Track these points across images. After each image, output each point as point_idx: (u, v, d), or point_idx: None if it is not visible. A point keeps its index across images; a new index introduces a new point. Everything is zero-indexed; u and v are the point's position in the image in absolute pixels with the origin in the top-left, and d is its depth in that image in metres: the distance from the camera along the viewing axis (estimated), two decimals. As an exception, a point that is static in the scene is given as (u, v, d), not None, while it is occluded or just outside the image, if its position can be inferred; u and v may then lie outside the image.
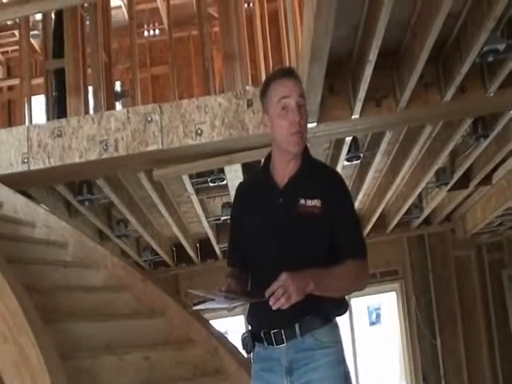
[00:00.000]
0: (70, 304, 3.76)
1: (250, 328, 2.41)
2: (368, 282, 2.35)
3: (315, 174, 2.38)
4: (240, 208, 2.53)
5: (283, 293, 2.03)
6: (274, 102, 2.33)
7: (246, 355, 2.80)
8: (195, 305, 2.28)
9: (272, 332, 2.28)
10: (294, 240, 2.30)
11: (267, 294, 2.07)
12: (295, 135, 2.30)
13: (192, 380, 3.60)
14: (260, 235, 2.38)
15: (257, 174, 2.71)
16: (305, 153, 2.41)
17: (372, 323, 8.87)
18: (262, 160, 2.52)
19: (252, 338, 2.37)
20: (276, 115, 2.33)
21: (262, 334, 2.32)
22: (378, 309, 8.89)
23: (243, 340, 2.39)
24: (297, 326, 2.25)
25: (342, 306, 2.37)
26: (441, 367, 8.24)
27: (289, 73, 2.40)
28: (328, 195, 2.29)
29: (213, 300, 2.20)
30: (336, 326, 2.34)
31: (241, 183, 2.74)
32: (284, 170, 2.38)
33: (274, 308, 2.05)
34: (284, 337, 2.27)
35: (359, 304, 8.30)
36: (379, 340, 8.78)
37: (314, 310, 2.24)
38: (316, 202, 2.28)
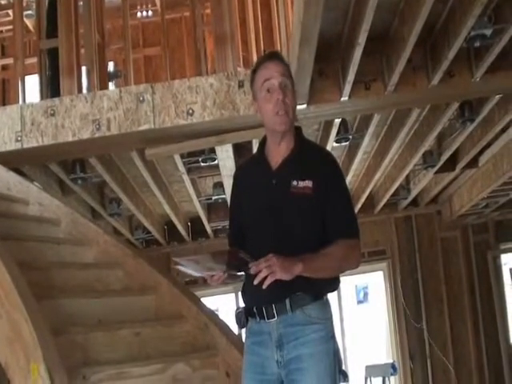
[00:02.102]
0: (63, 280, 3.80)
1: (243, 304, 2.47)
2: (360, 262, 2.39)
3: (308, 155, 2.43)
4: (237, 192, 2.59)
5: (266, 266, 2.10)
6: (259, 87, 2.40)
7: (239, 330, 2.87)
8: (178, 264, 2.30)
9: (263, 306, 2.34)
10: (287, 221, 2.35)
11: (251, 264, 2.15)
12: (279, 114, 2.36)
13: (182, 355, 3.62)
14: (255, 216, 2.43)
15: (253, 157, 2.76)
16: (298, 134, 2.46)
17: (360, 302, 8.96)
18: (254, 141, 2.59)
19: (245, 314, 2.43)
20: (262, 99, 2.40)
21: (254, 309, 2.38)
22: (366, 288, 8.97)
23: (237, 315, 2.45)
24: (287, 301, 2.31)
25: (334, 283, 2.42)
26: (427, 346, 8.36)
27: (272, 56, 2.47)
28: (320, 176, 2.34)
29: (194, 263, 2.24)
30: (327, 303, 2.40)
31: (237, 169, 2.80)
32: (277, 152, 2.43)
33: (255, 282, 2.12)
34: (275, 311, 2.32)
35: (347, 283, 8.34)
36: (366, 318, 8.86)
37: (305, 286, 2.28)
38: (308, 183, 2.33)
